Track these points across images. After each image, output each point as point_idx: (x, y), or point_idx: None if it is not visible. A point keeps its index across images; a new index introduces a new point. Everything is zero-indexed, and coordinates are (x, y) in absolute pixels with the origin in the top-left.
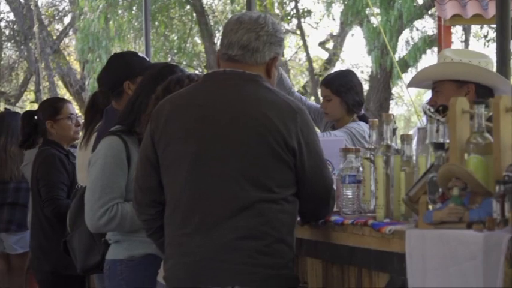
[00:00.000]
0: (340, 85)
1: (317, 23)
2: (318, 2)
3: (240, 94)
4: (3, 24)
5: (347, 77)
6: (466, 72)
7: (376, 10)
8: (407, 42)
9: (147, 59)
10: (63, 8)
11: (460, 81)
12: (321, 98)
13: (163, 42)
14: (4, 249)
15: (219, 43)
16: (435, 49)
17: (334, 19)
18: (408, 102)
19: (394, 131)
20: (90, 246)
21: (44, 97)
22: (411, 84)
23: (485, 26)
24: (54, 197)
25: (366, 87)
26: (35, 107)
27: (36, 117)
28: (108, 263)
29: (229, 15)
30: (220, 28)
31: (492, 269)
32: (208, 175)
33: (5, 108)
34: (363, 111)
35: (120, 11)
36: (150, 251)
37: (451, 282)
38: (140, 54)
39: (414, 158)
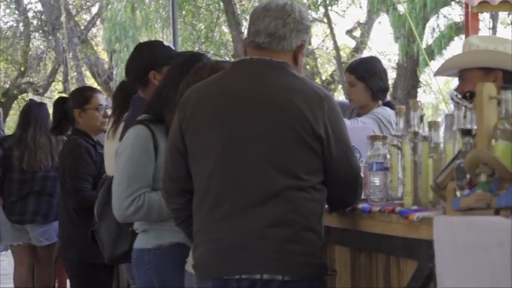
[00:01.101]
0: (364, 71)
1: (344, 11)
2: None
3: (266, 81)
4: (31, 14)
5: (371, 63)
6: (492, 59)
7: None
8: (434, 29)
9: (173, 48)
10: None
11: (487, 68)
12: (346, 85)
13: (190, 31)
14: (30, 240)
15: (246, 32)
16: (462, 36)
17: (361, 7)
18: (436, 90)
19: (421, 117)
20: (117, 235)
21: (72, 87)
22: (438, 72)
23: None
24: (79, 188)
25: (393, 75)
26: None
27: (64, 110)
28: (135, 252)
29: (256, 4)
30: (247, 17)
31: None
32: (236, 163)
33: (30, 99)
34: (388, 98)
35: (147, 1)
36: (177, 240)
37: (479, 268)
38: (166, 43)
39: (441, 144)
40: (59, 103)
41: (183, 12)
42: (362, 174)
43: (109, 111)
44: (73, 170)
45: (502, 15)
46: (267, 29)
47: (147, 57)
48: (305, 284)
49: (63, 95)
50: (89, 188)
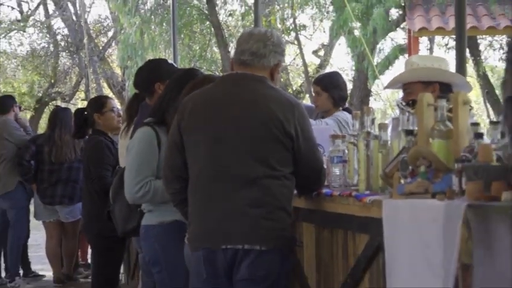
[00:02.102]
0: (328, 83)
1: (311, 35)
2: (312, 19)
3: (249, 91)
4: (59, 37)
5: (333, 77)
6: (430, 74)
7: (357, 24)
8: (382, 50)
9: (175, 65)
10: (107, 24)
11: (426, 82)
12: (313, 94)
13: (187, 51)
14: (59, 218)
15: (232, 52)
16: (406, 55)
17: (324, 32)
18: (384, 99)
19: (373, 120)
20: (128, 214)
21: (92, 96)
22: (387, 86)
23: (446, 36)
24: (101, 175)
25: (350, 86)
26: (85, 103)
27: (86, 112)
28: (143, 228)
29: (241, 29)
30: (234, 40)
31: (451, 231)
32: (222, 155)
33: (56, 106)
34: (346, 105)
35: (152, 27)
36: (176, 218)
37: (418, 239)
38: (169, 61)
39: (389, 142)
40: (78, 113)
41: (182, 36)
42: (325, 166)
43: (121, 112)
44: (97, 161)
45: (438, 38)
46: (251, 49)
47: (154, 71)
48: (278, 252)
49: (85, 102)
50: (109, 176)
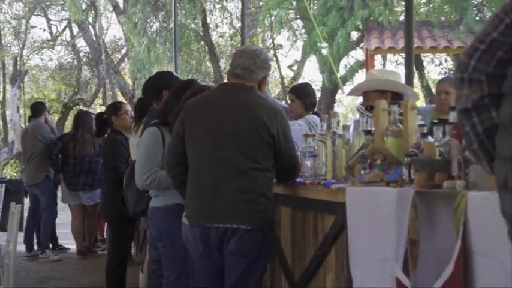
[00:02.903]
0: (300, 92)
1: (286, 53)
2: (287, 40)
3: (239, 98)
4: (82, 54)
5: (305, 87)
6: (385, 85)
7: (324, 44)
8: (346, 65)
9: (179, 76)
10: (121, 43)
11: (382, 91)
12: (289, 101)
13: (186, 65)
14: (81, 201)
15: (223, 67)
16: (364, 70)
17: (297, 50)
18: (346, 104)
19: (337, 122)
20: (138, 199)
21: (108, 102)
22: (349, 94)
23: (396, 54)
24: (116, 166)
25: (318, 94)
26: (103, 108)
27: (104, 116)
28: (150, 209)
29: (229, 48)
30: (224, 56)
31: (402, 213)
32: (217, 151)
33: (79, 110)
34: (316, 110)
35: (158, 46)
36: (178, 201)
37: (375, 220)
38: (174, 74)
39: (351, 140)
40: (98, 116)
41: (181, 53)
42: (299, 160)
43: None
44: (113, 155)
45: (390, 56)
46: (243, 64)
47: (163, 80)
48: (260, 231)
49: (103, 107)
50: (123, 167)
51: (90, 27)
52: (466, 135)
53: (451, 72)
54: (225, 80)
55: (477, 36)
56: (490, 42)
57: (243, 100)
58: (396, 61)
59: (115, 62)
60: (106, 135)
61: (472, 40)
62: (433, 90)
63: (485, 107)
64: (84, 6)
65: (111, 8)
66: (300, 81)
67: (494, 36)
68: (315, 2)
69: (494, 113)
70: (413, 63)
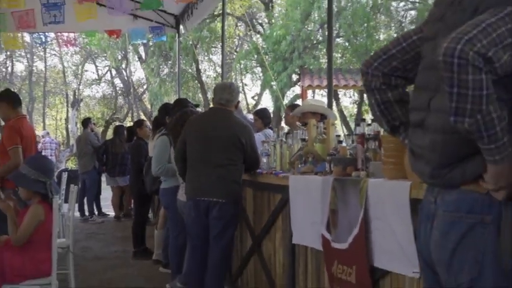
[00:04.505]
0: (261, 114)
1: (250, 89)
2: (250, 79)
3: (221, 118)
4: (117, 88)
5: (264, 111)
6: (315, 109)
7: (274, 82)
8: (288, 96)
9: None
10: (143, 82)
11: (313, 112)
12: (253, 120)
13: (185, 96)
14: (118, 183)
15: (210, 97)
16: (300, 100)
17: (257, 86)
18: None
19: (284, 134)
20: (153, 182)
21: (135, 119)
22: (293, 114)
23: (322, 90)
24: (139, 161)
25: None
26: (131, 124)
27: (132, 128)
28: (161, 190)
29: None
30: (210, 91)
31: (326, 193)
32: (205, 152)
33: (116, 125)
34: (270, 126)
35: (167, 83)
36: (178, 184)
37: (308, 199)
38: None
39: (292, 145)
40: (129, 129)
41: (182, 88)
42: (259, 158)
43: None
44: (137, 154)
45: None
46: (226, 97)
47: (167, 108)
48: (232, 204)
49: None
50: (143, 161)
51: (123, 71)
52: (372, 106)
53: (356, 102)
54: (211, 105)
55: (381, 48)
56: (389, 56)
57: (223, 119)
58: (321, 94)
59: (139, 94)
60: (133, 141)
61: (377, 50)
62: (345, 112)
63: (383, 90)
64: (119, 57)
65: (137, 59)
66: (260, 107)
67: (393, 52)
68: (268, 54)
69: (390, 94)
70: (332, 95)
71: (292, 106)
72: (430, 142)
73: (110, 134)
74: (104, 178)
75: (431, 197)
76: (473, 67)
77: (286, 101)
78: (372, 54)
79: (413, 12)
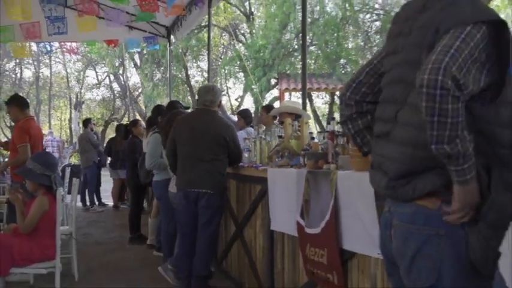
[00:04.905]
0: (243, 114)
1: (234, 91)
2: (233, 83)
3: (206, 117)
4: (115, 91)
5: (246, 111)
6: (291, 109)
7: (255, 86)
8: (266, 98)
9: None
10: (138, 86)
11: (289, 113)
12: (237, 120)
13: (177, 98)
14: (119, 176)
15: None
16: (278, 101)
17: (240, 90)
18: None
19: (263, 131)
20: (147, 175)
21: (131, 119)
22: (271, 114)
23: (297, 92)
24: (134, 157)
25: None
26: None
27: (128, 127)
28: (153, 182)
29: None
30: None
31: (300, 183)
32: (193, 149)
33: (117, 124)
34: (252, 124)
35: (159, 87)
36: (168, 177)
37: (285, 189)
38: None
39: (270, 141)
40: (125, 128)
41: (173, 91)
42: (242, 153)
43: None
44: (133, 150)
45: (293, 93)
46: (210, 99)
47: (159, 109)
48: (218, 194)
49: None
50: (138, 156)
51: (120, 76)
52: (348, 134)
53: (328, 103)
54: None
55: (351, 78)
56: (357, 83)
57: (209, 119)
58: (297, 96)
59: (135, 97)
60: (129, 138)
61: (349, 79)
62: (318, 112)
63: (355, 118)
64: (117, 64)
65: (132, 65)
66: (242, 107)
67: (360, 79)
68: (250, 61)
69: (360, 121)
70: (306, 97)
71: (267, 107)
72: (399, 154)
73: (109, 133)
74: (107, 172)
75: (386, 207)
76: (452, 97)
77: (265, 103)
78: (346, 82)
79: (378, 23)
